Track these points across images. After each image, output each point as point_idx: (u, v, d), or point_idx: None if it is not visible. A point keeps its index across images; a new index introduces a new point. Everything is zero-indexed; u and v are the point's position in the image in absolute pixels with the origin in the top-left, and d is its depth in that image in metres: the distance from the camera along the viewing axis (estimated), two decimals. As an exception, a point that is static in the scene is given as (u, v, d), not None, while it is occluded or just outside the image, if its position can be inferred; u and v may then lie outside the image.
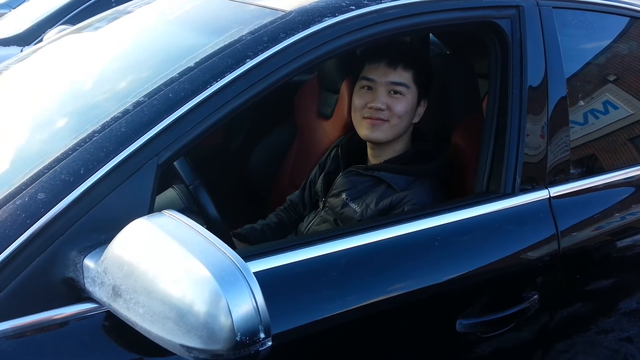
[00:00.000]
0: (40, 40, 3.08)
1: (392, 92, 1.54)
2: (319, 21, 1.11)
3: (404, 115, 1.55)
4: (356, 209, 1.55)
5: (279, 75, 1.06)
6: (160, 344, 0.79)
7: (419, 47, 2.06)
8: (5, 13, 4.14)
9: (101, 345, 0.90)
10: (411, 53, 1.63)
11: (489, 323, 1.23)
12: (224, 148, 2.40)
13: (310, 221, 1.67)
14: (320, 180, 1.71)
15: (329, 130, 2.14)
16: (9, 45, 3.36)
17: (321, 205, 1.68)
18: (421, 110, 1.60)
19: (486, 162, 1.35)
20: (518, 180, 1.31)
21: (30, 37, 3.39)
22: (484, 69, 1.83)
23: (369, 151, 1.65)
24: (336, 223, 1.59)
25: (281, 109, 2.35)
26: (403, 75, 1.54)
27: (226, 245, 0.79)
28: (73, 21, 3.01)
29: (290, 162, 2.24)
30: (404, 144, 1.61)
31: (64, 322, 0.88)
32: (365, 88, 1.57)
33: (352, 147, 1.70)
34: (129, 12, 1.59)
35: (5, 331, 0.84)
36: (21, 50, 3.25)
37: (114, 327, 0.89)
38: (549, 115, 1.36)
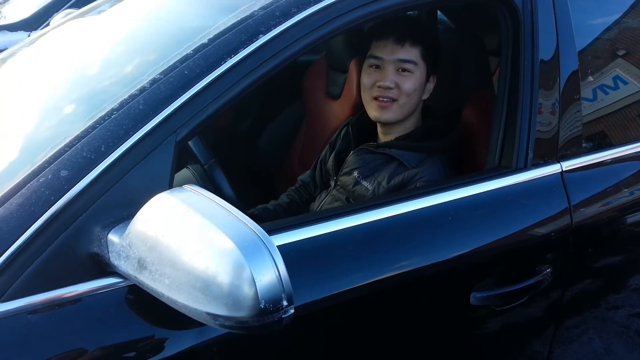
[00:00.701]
0: (47, 25, 3.08)
1: (400, 69, 1.54)
2: (331, -5, 1.11)
3: (412, 93, 1.55)
4: (368, 186, 1.56)
5: (293, 50, 1.07)
6: (186, 313, 0.81)
7: (427, 23, 2.05)
8: (11, -2, 4.12)
9: (125, 317, 0.92)
10: (418, 29, 1.63)
11: (503, 296, 1.24)
12: (234, 130, 2.41)
13: (322, 200, 1.68)
14: (331, 159, 1.72)
15: (338, 111, 2.14)
16: (16, 30, 3.36)
17: (332, 184, 1.69)
18: (430, 86, 1.60)
19: (498, 137, 1.35)
20: (530, 154, 1.31)
21: (37, 21, 3.38)
22: (493, 46, 1.83)
23: (379, 129, 1.65)
24: (348, 201, 1.60)
25: (290, 90, 2.35)
26: (411, 52, 1.54)
27: (248, 217, 0.81)
28: (79, 5, 3.00)
29: (299, 143, 2.24)
30: (415, 121, 1.62)
31: (89, 296, 0.90)
32: (374, 67, 1.57)
33: (362, 125, 1.71)
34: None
35: (33, 305, 0.87)
36: (28, 35, 3.25)
37: (138, 300, 0.91)
38: (561, 89, 1.36)
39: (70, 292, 0.88)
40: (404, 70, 1.54)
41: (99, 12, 1.62)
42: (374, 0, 1.13)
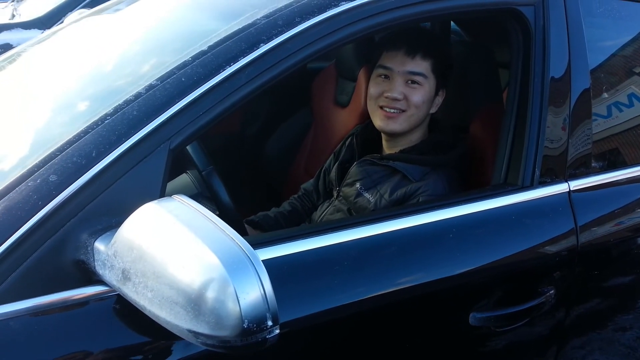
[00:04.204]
0: (61, 23, 3.10)
1: (409, 81, 1.52)
2: (336, 5, 1.09)
3: (421, 105, 1.52)
4: (370, 198, 1.53)
5: (294, 61, 1.05)
6: (168, 328, 0.79)
7: (439, 36, 2.02)
8: (27, -4, 4.16)
9: (111, 328, 0.90)
10: (431, 42, 1.60)
11: (503, 317, 1.21)
12: (241, 136, 2.40)
13: (324, 210, 1.66)
14: (334, 169, 1.70)
15: (346, 119, 2.12)
16: (30, 29, 3.39)
17: (335, 195, 1.66)
18: (439, 100, 1.57)
19: (505, 154, 1.32)
20: (537, 172, 1.28)
21: (51, 20, 3.41)
22: (505, 58, 1.79)
23: (384, 141, 1.62)
24: (350, 213, 1.58)
25: (298, 96, 2.34)
26: (421, 65, 1.52)
27: (235, 232, 0.78)
28: (93, 5, 3.02)
29: (306, 150, 2.23)
30: (421, 134, 1.59)
31: (74, 304, 0.88)
32: (382, 77, 1.55)
33: (367, 135, 1.68)
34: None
35: (17, 312, 0.85)
36: (42, 33, 3.27)
37: (125, 310, 0.89)
38: (571, 107, 1.32)
39: (54, 299, 0.87)
40: (413, 82, 1.51)
41: (107, 14, 1.62)
42: (380, 12, 1.11)
